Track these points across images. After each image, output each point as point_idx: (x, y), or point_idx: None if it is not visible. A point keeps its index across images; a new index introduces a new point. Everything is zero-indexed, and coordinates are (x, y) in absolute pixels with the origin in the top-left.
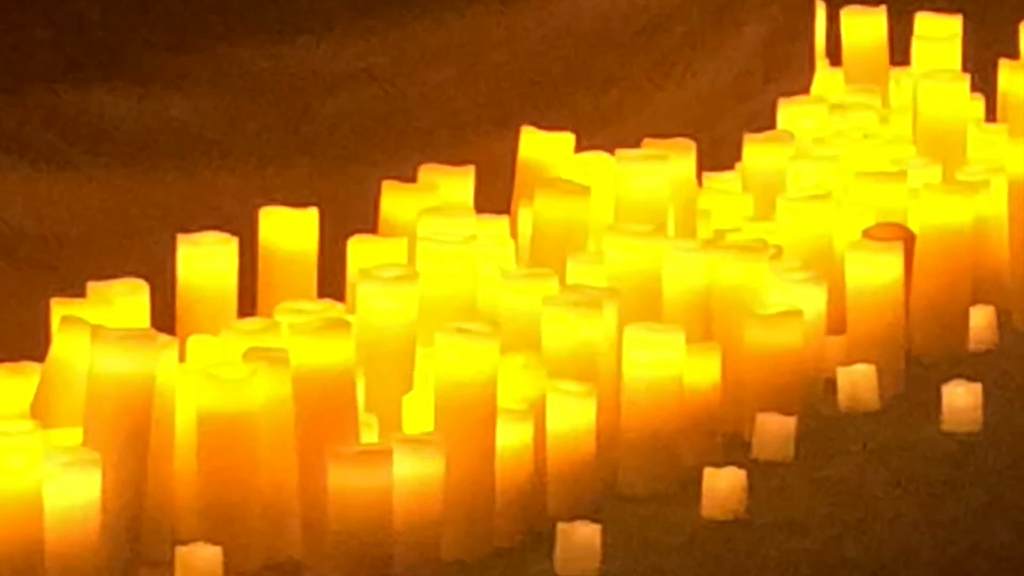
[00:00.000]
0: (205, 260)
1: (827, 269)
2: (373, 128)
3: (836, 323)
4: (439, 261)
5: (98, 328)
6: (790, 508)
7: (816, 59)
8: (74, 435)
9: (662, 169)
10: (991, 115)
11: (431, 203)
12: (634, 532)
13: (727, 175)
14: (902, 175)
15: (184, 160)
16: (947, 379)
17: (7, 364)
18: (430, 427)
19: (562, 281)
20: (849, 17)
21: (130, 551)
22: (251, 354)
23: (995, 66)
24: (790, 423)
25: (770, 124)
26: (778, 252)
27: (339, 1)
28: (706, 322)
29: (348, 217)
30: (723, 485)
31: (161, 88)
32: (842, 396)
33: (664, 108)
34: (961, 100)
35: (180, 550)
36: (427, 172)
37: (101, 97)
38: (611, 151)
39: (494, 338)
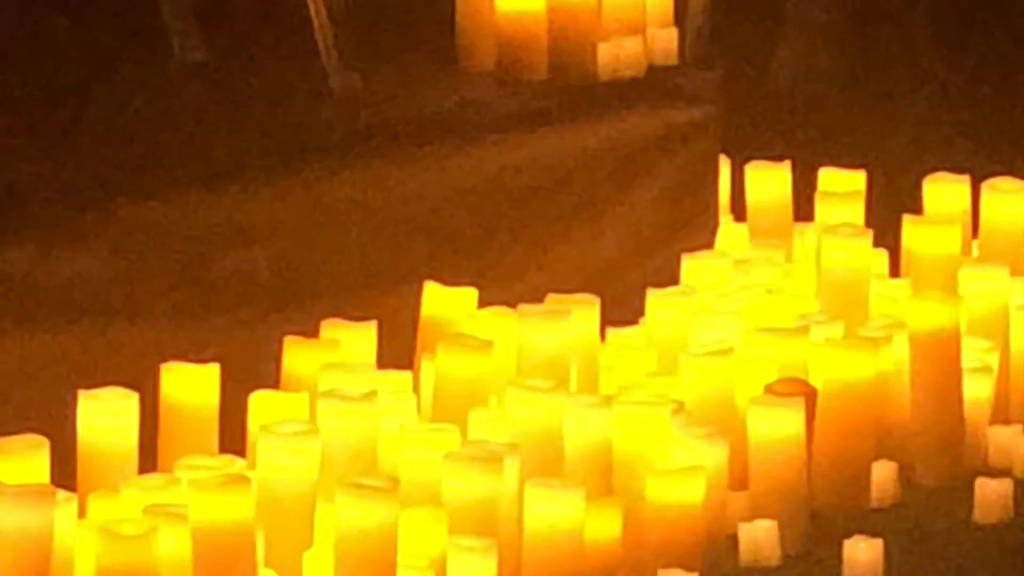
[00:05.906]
0: (105, 416)
1: (729, 425)
2: (275, 283)
3: (738, 479)
4: (340, 416)
5: None
6: None
7: (720, 214)
8: None
9: (564, 325)
10: (895, 270)
11: (333, 359)
12: None
13: (630, 330)
14: (804, 330)
15: (84, 316)
16: (849, 534)
17: None
18: None
19: (464, 436)
20: (753, 172)
21: None
22: (151, 510)
23: (899, 221)
24: None
25: (673, 279)
26: (680, 407)
27: (239, 156)
28: (607, 478)
29: (250, 372)
30: None
31: (60, 243)
32: (744, 552)
33: (567, 263)
34: (864, 255)
35: None
36: (329, 327)
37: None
38: (513, 306)
39: (394, 493)
